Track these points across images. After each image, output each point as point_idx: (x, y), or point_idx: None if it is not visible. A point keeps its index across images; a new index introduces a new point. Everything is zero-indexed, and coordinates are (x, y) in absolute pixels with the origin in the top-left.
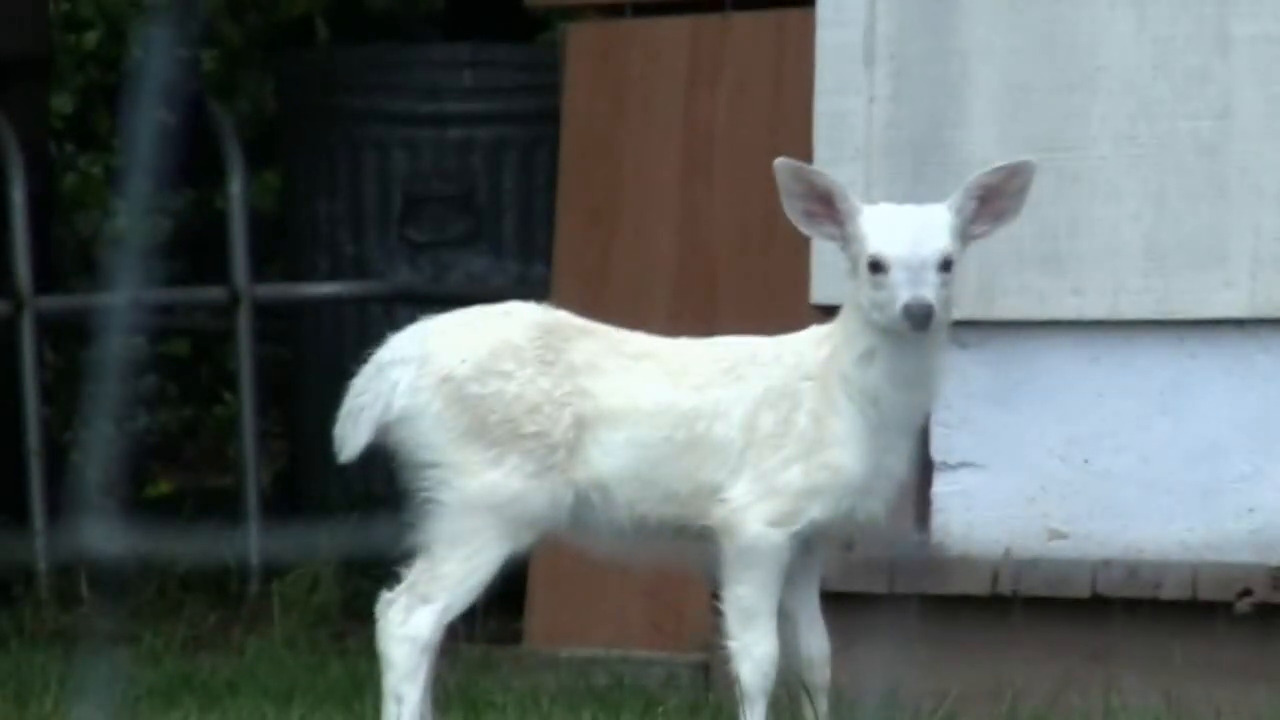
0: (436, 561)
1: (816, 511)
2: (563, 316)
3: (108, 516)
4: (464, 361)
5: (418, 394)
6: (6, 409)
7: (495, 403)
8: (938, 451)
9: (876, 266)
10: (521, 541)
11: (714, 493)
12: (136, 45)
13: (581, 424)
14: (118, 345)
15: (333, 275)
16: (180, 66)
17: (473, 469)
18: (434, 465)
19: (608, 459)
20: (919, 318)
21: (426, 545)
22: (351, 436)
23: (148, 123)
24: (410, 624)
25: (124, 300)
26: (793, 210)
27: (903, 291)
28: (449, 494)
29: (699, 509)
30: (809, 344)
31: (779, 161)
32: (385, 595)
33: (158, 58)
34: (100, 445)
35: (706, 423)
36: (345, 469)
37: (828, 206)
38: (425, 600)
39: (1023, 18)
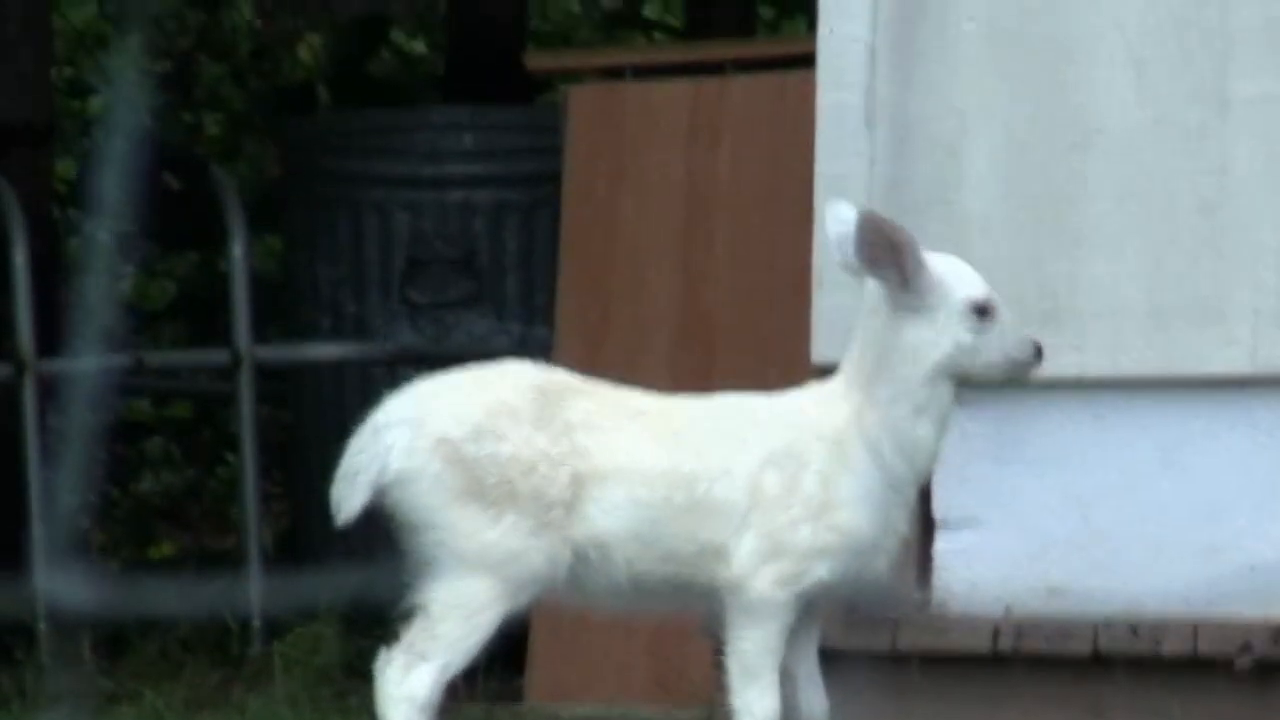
0: (434, 620)
1: (823, 572)
2: (559, 375)
3: (74, 572)
4: (460, 423)
5: (414, 456)
6: (8, 472)
7: (491, 463)
8: (939, 509)
9: (983, 312)
10: (519, 600)
11: (717, 553)
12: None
13: (579, 483)
14: (83, 410)
15: (334, 337)
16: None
17: (470, 529)
18: (432, 526)
19: (606, 518)
20: (1040, 354)
21: (425, 604)
22: (348, 498)
23: (112, 181)
24: (408, 683)
25: (88, 366)
26: (861, 254)
27: (1023, 332)
28: (447, 553)
29: (701, 568)
30: (815, 403)
31: (865, 213)
32: (384, 654)
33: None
34: (67, 504)
35: (708, 484)
36: (347, 529)
37: (895, 255)
38: (423, 659)
39: (1022, 78)
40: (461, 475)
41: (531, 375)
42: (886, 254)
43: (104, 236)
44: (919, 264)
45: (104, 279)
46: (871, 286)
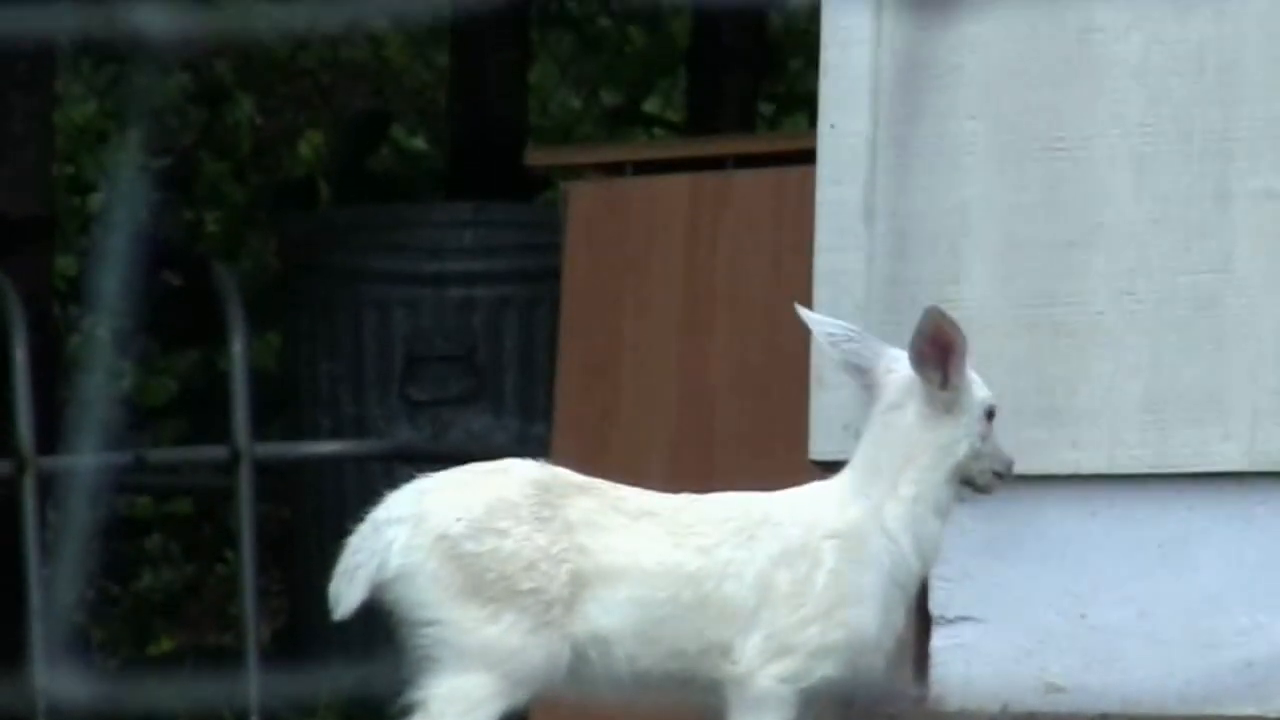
0: (433, 716)
1: (829, 669)
2: (560, 473)
3: (74, 668)
4: (459, 520)
5: (413, 553)
6: (8, 568)
7: (491, 560)
8: (936, 605)
9: (991, 416)
10: (518, 696)
11: (723, 650)
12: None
13: (579, 581)
14: (81, 506)
15: (334, 434)
16: (144, 214)
17: (469, 625)
18: (431, 622)
19: (607, 616)
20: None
21: (423, 700)
22: (347, 594)
23: (111, 278)
24: None
25: (86, 462)
26: (913, 348)
27: (1004, 445)
28: (446, 649)
29: (706, 664)
30: (825, 501)
31: (931, 309)
32: None
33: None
34: (64, 600)
35: (715, 582)
36: (345, 625)
37: (946, 354)
38: None
39: (1022, 174)
40: (460, 572)
41: (532, 472)
42: (937, 352)
43: (102, 333)
44: (964, 365)
45: (101, 375)
46: (893, 383)
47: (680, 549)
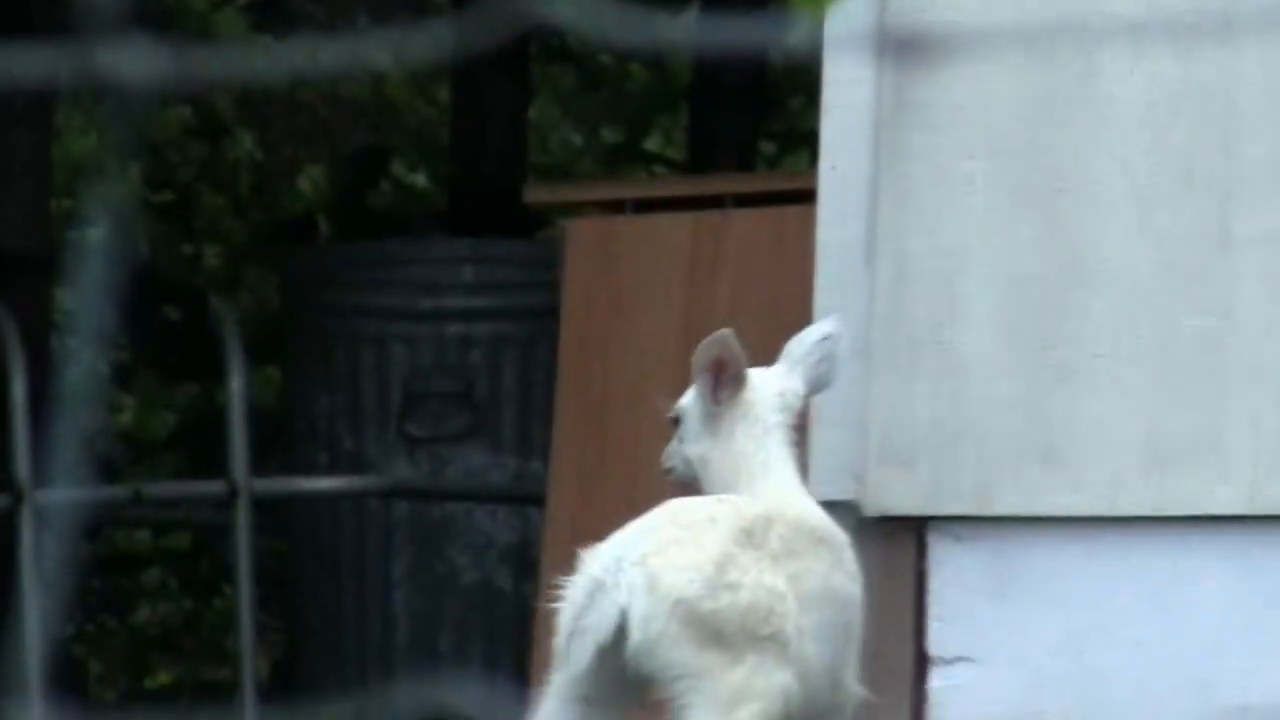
0: None
1: None
2: (739, 503)
3: (49, 703)
4: (692, 582)
5: (653, 622)
6: (5, 602)
7: (731, 613)
8: (933, 646)
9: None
10: None
11: (848, 670)
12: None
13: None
14: (63, 539)
15: (331, 470)
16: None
17: (716, 673)
18: (676, 678)
19: (814, 644)
20: None
21: None
22: (578, 656)
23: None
24: None
25: (69, 498)
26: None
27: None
28: (695, 697)
29: (844, 694)
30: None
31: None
32: None
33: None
34: (41, 632)
35: (856, 607)
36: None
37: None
38: None
39: (1023, 214)
40: (702, 630)
41: (730, 514)
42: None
43: (84, 361)
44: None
45: (79, 406)
46: None
47: (837, 569)
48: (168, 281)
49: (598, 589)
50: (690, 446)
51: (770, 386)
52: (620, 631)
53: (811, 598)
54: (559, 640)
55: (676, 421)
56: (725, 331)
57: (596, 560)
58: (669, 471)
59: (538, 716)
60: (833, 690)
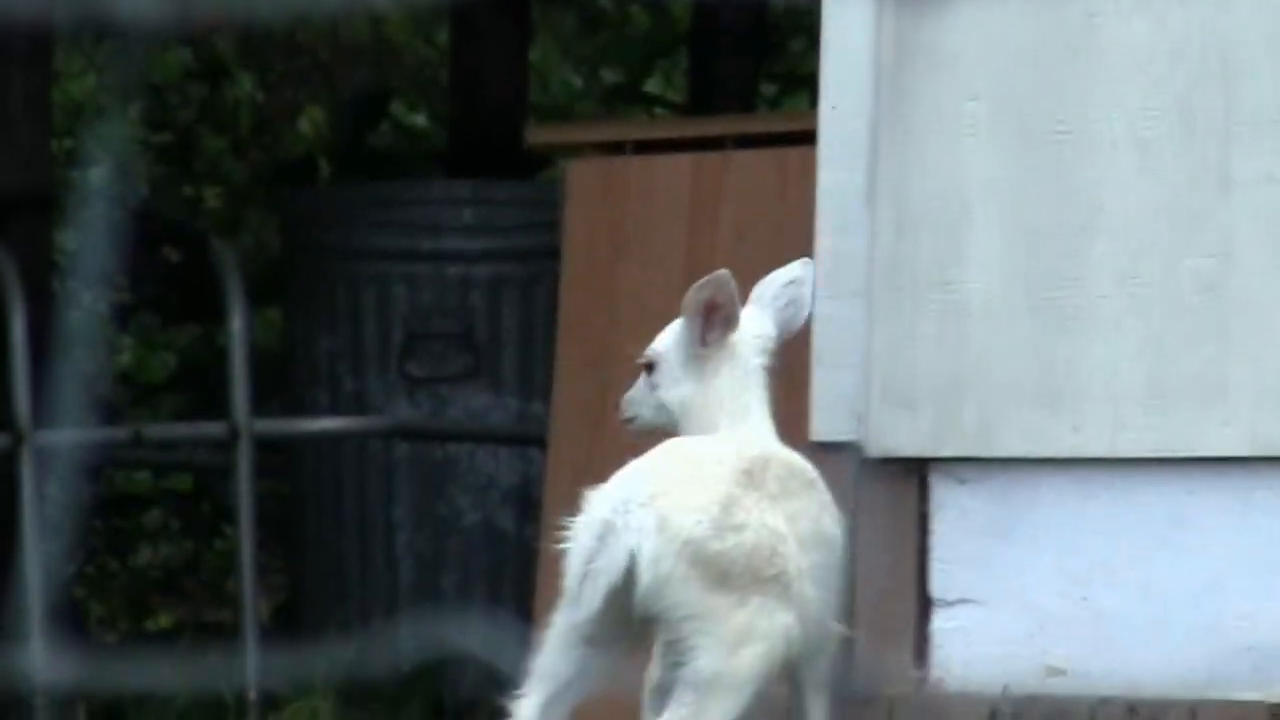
0: (702, 696)
1: None
2: (741, 441)
3: (50, 645)
4: (699, 523)
5: (662, 562)
6: (6, 544)
7: (737, 554)
8: (936, 588)
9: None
10: (773, 675)
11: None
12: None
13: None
14: (62, 483)
15: (332, 411)
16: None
17: (721, 614)
18: (684, 618)
19: (813, 586)
20: None
21: (690, 682)
22: (590, 598)
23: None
24: None
25: (69, 439)
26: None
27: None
28: (702, 638)
29: (831, 631)
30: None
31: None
32: None
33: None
34: (42, 574)
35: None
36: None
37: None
38: None
39: (1025, 158)
40: (709, 570)
41: (732, 454)
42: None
43: (84, 302)
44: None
45: (83, 348)
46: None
47: (825, 511)
48: (168, 223)
49: (607, 531)
50: (667, 391)
51: (749, 328)
52: (630, 573)
53: (807, 539)
54: (569, 583)
55: (650, 367)
56: (722, 272)
57: (604, 502)
58: (631, 420)
59: (541, 658)
60: (820, 630)
